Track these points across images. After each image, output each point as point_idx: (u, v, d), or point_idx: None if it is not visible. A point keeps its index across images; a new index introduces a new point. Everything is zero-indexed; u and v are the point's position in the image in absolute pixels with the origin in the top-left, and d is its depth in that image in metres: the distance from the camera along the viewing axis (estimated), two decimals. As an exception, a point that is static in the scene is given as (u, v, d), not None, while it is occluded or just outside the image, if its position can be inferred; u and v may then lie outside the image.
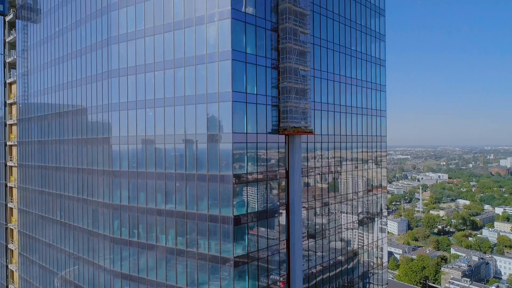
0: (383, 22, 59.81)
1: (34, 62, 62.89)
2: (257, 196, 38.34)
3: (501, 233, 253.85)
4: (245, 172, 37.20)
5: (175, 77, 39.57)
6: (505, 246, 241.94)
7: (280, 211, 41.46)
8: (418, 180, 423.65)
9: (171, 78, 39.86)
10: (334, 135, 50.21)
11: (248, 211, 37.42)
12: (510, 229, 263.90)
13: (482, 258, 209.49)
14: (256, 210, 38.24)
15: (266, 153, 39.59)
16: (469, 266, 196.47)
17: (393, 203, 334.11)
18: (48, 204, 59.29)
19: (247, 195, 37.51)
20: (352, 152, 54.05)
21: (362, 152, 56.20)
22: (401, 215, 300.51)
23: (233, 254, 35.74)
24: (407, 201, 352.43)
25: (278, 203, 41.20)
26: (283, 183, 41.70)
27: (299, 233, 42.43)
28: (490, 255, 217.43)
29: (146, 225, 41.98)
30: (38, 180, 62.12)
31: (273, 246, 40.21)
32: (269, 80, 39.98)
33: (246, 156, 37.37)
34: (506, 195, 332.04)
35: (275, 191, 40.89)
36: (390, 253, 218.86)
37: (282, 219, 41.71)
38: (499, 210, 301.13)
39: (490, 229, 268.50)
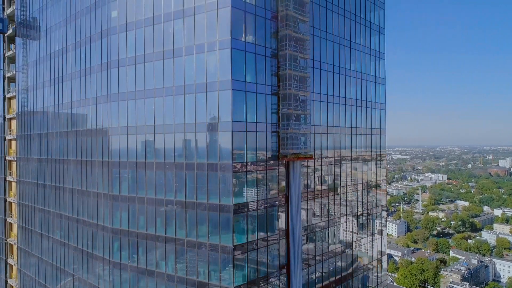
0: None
1: (34, 79, 62.74)
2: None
3: (500, 235, 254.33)
4: (245, 201, 37.19)
5: (175, 103, 39.57)
6: (504, 249, 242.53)
7: (280, 239, 41.46)
8: (417, 181, 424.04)
9: (171, 104, 39.79)
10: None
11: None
12: (509, 231, 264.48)
13: (481, 261, 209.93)
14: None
15: (266, 181, 39.57)
16: (468, 269, 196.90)
17: (393, 205, 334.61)
18: (47, 222, 59.22)
19: (246, 224, 37.53)
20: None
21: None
22: (400, 217, 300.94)
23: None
24: (406, 202, 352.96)
25: (277, 231, 41.21)
26: (283, 215, 41.68)
27: (299, 257, 42.40)
28: (489, 258, 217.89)
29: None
30: (37, 198, 62.02)
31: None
32: (269, 106, 39.97)
33: (246, 181, 37.42)
34: (505, 197, 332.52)
35: (276, 222, 40.92)
36: (389, 256, 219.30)
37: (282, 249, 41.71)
38: (498, 212, 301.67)
39: (489, 231, 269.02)
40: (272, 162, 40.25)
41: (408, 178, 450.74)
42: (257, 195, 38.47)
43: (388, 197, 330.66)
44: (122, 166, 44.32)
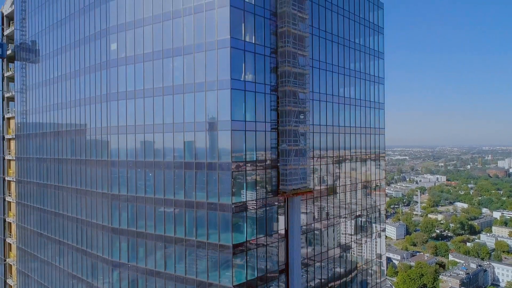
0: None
1: (33, 101, 62.59)
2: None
3: (499, 238, 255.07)
4: (244, 240, 37.26)
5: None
6: (503, 252, 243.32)
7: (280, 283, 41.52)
8: (416, 182, 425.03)
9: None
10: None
11: None
12: (507, 233, 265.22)
13: (480, 265, 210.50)
14: None
15: (266, 218, 39.61)
16: (467, 273, 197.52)
17: (392, 206, 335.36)
18: (50, 250, 59.28)
19: (246, 264, 37.52)
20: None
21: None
22: (399, 219, 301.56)
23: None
24: (406, 204, 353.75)
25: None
26: (282, 246, 41.74)
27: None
28: (488, 262, 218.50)
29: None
30: (37, 221, 62.00)
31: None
32: (268, 143, 39.93)
33: (245, 222, 37.41)
34: (504, 198, 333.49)
35: (276, 257, 40.95)
36: (388, 259, 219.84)
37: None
38: (497, 214, 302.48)
39: (488, 234, 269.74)
40: (271, 196, 40.26)
41: (407, 179, 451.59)
42: (256, 232, 38.53)
43: (387, 198, 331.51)
44: (122, 199, 44.35)
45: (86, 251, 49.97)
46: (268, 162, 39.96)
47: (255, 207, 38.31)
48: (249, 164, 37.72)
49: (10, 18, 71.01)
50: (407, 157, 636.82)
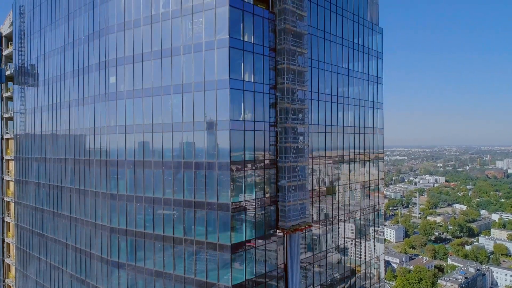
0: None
1: (31, 125, 62.49)
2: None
3: (497, 241, 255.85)
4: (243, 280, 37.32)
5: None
6: (501, 255, 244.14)
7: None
8: (415, 184, 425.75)
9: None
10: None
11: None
12: (506, 236, 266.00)
13: (478, 270, 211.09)
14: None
15: (265, 254, 39.66)
16: (466, 278, 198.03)
17: (390, 208, 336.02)
18: (48, 273, 59.30)
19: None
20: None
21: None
22: (398, 222, 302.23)
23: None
24: (404, 206, 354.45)
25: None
26: (282, 282, 41.81)
27: None
28: (486, 266, 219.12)
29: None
30: (35, 244, 61.98)
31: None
32: (267, 182, 39.99)
33: (245, 261, 37.46)
34: (502, 200, 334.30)
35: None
36: (387, 263, 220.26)
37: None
38: (495, 217, 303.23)
39: (487, 236, 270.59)
40: (271, 236, 40.34)
41: (406, 180, 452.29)
42: (255, 275, 38.56)
43: (386, 200, 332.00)
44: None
45: (85, 281, 50.02)
46: (267, 198, 39.99)
47: (254, 245, 38.35)
48: (248, 203, 37.76)
49: (9, 38, 70.82)
50: (405, 158, 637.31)
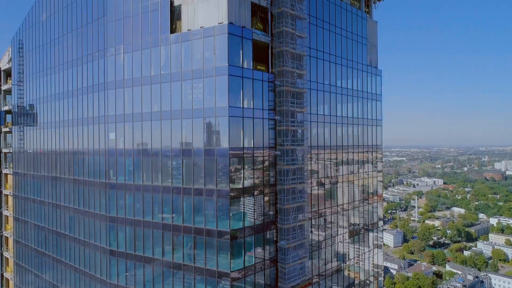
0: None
1: (31, 164, 62.48)
2: None
3: (495, 246, 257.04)
4: None
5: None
6: (500, 260, 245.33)
7: None
8: (414, 186, 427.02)
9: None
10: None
11: None
12: (504, 241, 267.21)
13: (477, 277, 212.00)
14: None
15: None
16: (464, 286, 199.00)
17: (389, 211, 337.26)
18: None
19: None
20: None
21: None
22: (397, 226, 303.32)
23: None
24: (403, 209, 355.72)
25: None
26: None
27: None
28: (484, 273, 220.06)
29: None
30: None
31: None
32: (266, 245, 40.16)
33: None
34: (500, 203, 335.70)
35: None
36: (386, 269, 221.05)
37: None
38: (493, 221, 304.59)
39: (485, 242, 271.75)
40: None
41: (405, 182, 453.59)
42: None
43: (385, 203, 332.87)
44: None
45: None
46: (267, 260, 40.16)
47: (255, 310, 38.58)
48: (248, 271, 37.94)
49: (7, 73, 70.72)
50: (404, 158, 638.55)
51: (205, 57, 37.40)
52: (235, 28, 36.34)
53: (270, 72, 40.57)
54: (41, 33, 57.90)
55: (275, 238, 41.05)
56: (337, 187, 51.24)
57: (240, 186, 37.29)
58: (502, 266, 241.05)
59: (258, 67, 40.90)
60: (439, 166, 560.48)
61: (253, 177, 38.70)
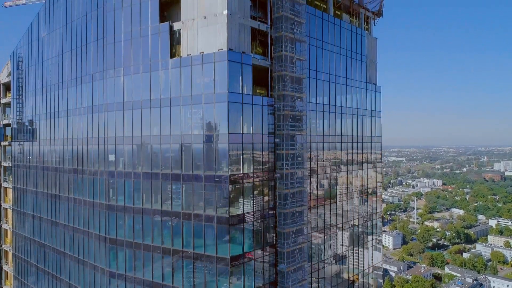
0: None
1: (30, 180, 62.46)
2: None
3: (494, 248, 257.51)
4: None
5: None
6: (499, 262, 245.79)
7: None
8: (413, 187, 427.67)
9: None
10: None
11: None
12: (503, 243, 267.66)
13: (476, 280, 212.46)
14: None
15: None
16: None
17: (388, 213, 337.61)
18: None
19: None
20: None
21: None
22: (396, 228, 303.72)
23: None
24: (402, 210, 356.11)
25: None
26: None
27: None
28: (483, 276, 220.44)
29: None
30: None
31: None
32: (266, 270, 40.21)
33: None
34: (499, 205, 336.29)
35: None
36: (385, 271, 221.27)
37: None
38: (492, 222, 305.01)
39: (484, 244, 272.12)
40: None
41: (404, 183, 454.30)
42: None
43: (384, 204, 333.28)
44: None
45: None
46: (267, 283, 40.21)
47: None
48: (248, 294, 38.05)
49: (7, 87, 70.67)
50: (403, 159, 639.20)
51: (205, 82, 37.37)
52: (234, 54, 36.30)
53: (269, 96, 40.55)
54: (41, 49, 57.85)
55: (274, 262, 41.11)
56: (336, 207, 51.33)
57: (240, 212, 37.32)
58: (501, 268, 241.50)
59: (258, 90, 40.91)
60: (438, 166, 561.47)
61: (253, 204, 38.71)
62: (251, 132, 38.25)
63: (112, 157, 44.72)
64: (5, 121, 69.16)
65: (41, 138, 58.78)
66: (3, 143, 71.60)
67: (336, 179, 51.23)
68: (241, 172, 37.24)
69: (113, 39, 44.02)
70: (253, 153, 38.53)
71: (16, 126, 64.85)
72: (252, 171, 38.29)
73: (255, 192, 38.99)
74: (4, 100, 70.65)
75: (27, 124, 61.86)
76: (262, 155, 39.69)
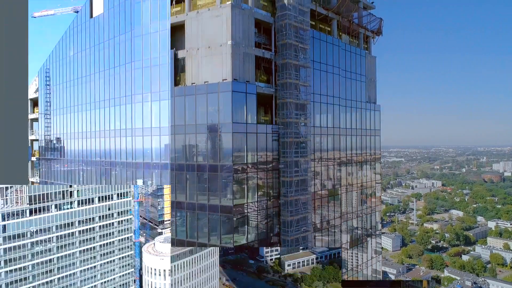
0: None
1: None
2: None
3: (493, 251, 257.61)
4: None
5: None
6: (498, 265, 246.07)
7: None
8: (412, 188, 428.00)
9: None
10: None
11: None
12: (502, 245, 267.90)
13: (475, 283, 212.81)
14: None
15: None
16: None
17: (388, 214, 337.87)
18: None
19: None
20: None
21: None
22: (395, 230, 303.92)
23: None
24: (401, 211, 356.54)
25: None
26: None
27: None
28: (483, 279, 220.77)
29: None
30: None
31: None
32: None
33: None
34: (498, 206, 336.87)
35: None
36: (384, 274, 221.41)
37: None
38: (491, 224, 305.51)
39: (483, 246, 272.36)
40: None
41: (403, 184, 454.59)
42: None
43: (383, 206, 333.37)
44: None
45: None
46: None
47: None
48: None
49: (34, 102, 71.13)
50: (402, 159, 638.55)
51: (209, 112, 37.39)
52: (239, 85, 36.32)
53: (274, 122, 40.58)
54: (69, 68, 58.00)
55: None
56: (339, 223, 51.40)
57: (244, 237, 37.47)
58: (500, 271, 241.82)
59: (262, 117, 40.95)
60: (437, 167, 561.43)
61: (257, 230, 38.84)
62: (256, 161, 38.30)
63: (140, 182, 44.89)
64: (33, 137, 69.36)
65: (68, 157, 58.84)
66: (32, 158, 71.60)
67: (340, 197, 51.41)
68: (246, 201, 37.32)
69: (141, 64, 44.05)
70: (257, 181, 38.61)
71: (43, 144, 65.03)
72: (256, 200, 38.36)
73: (259, 221, 39.09)
74: (32, 116, 70.82)
75: (54, 142, 62.00)
76: (267, 182, 39.78)
